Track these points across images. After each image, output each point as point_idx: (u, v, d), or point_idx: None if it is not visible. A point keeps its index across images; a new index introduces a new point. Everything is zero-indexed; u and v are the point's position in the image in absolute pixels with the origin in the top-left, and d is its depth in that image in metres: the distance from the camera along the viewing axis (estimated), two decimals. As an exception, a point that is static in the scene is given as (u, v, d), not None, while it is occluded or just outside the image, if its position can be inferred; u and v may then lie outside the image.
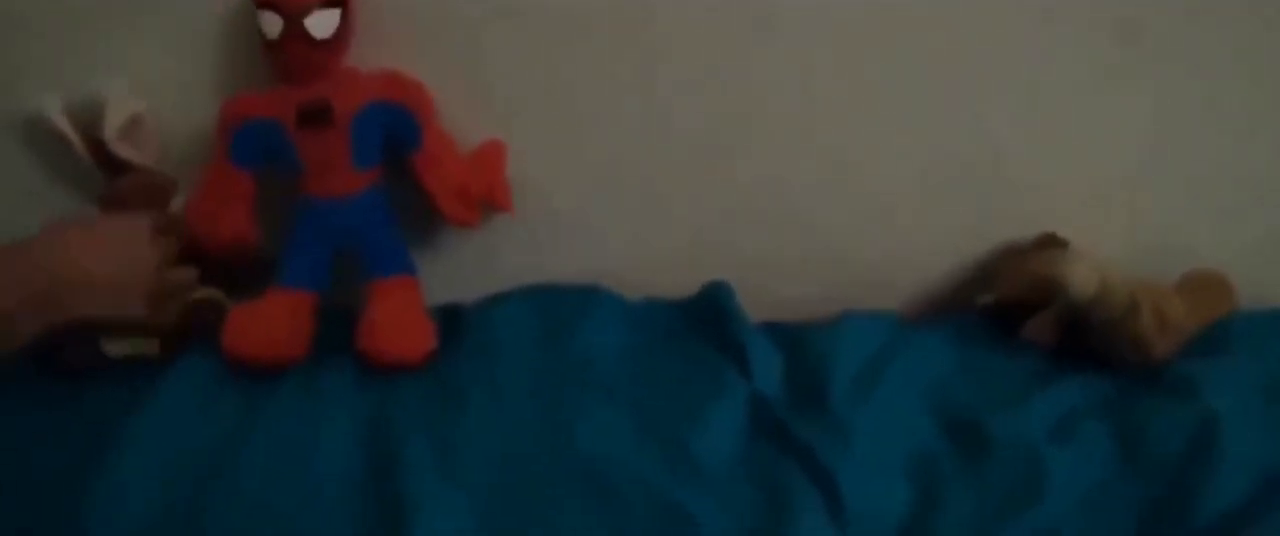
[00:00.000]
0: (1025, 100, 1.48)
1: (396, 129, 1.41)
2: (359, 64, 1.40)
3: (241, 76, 1.43)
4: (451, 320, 1.43)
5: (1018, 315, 1.44)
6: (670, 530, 1.15)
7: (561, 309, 1.44)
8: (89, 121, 1.38)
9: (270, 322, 1.37)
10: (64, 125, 1.37)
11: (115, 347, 1.37)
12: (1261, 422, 1.27)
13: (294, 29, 1.34)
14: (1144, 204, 1.53)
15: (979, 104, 1.48)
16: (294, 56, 1.36)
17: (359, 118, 1.38)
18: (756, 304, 1.48)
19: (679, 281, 1.51)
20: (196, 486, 1.19)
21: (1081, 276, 1.34)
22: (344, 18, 1.36)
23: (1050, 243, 1.47)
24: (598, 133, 1.50)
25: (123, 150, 1.39)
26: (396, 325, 1.38)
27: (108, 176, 1.41)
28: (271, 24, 1.34)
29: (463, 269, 1.53)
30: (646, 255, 1.55)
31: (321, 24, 1.35)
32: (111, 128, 1.37)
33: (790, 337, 1.44)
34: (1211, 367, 1.35)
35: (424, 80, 1.41)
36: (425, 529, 1.13)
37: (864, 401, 1.32)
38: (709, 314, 1.45)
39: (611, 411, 1.29)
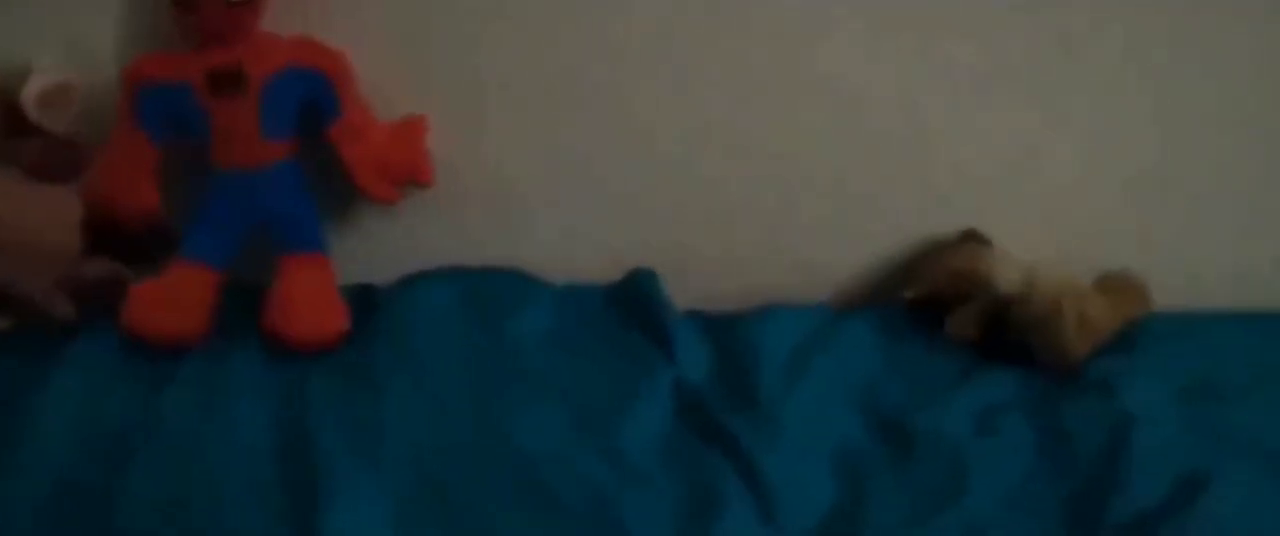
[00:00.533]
0: (960, 98, 1.48)
1: (314, 98, 1.35)
2: (275, 28, 1.34)
3: (151, 40, 1.35)
4: (365, 301, 1.38)
5: (941, 310, 1.44)
6: (599, 525, 1.13)
7: (483, 291, 1.40)
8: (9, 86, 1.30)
9: (173, 299, 1.30)
10: None
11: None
12: (1175, 423, 1.29)
13: (207, -13, 1.27)
14: (1069, 204, 1.54)
15: (912, 99, 1.48)
16: (206, 17, 1.29)
17: (272, 84, 1.32)
18: (682, 295, 1.46)
19: (602, 270, 1.48)
20: (102, 469, 1.13)
21: (1008, 273, 1.35)
22: (260, -23, 1.30)
23: (972, 239, 1.48)
24: (526, 111, 1.45)
25: (36, 115, 1.29)
26: (306, 304, 1.32)
27: (14, 141, 1.31)
28: (184, -19, 1.28)
29: (379, 249, 1.47)
30: (570, 242, 1.51)
31: (236, -18, 1.28)
32: (30, 92, 1.28)
33: (716, 326, 1.42)
34: (1128, 368, 1.37)
35: (344, 48, 1.35)
36: (341, 516, 1.09)
37: (791, 393, 1.31)
38: (634, 300, 1.42)
39: (538, 399, 1.26)
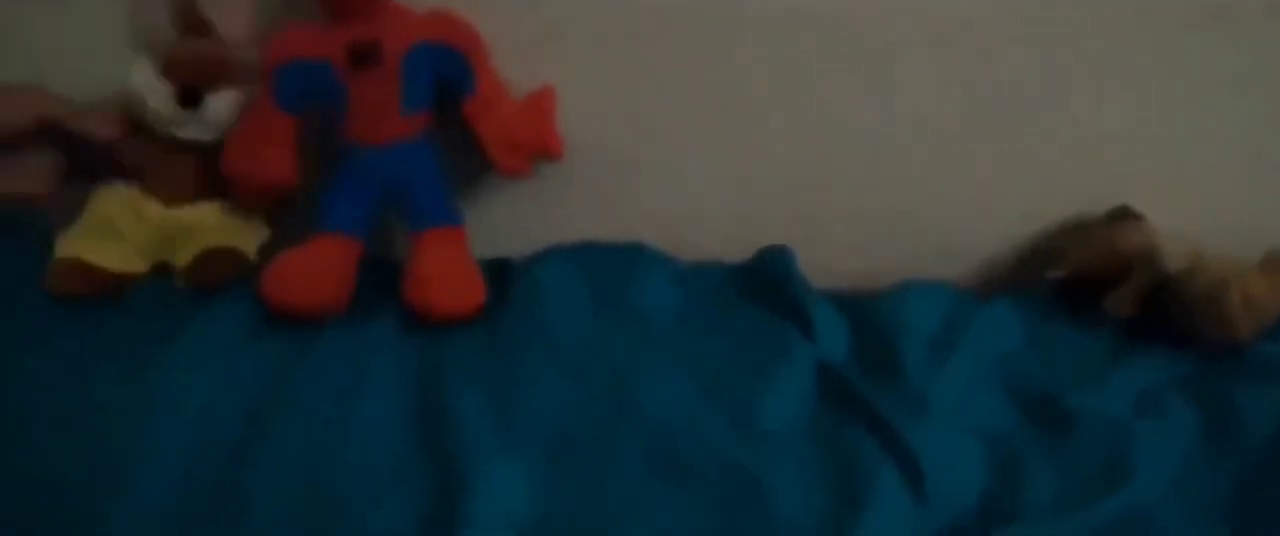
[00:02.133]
0: (1108, 75, 1.43)
1: (448, 72, 1.34)
2: (410, 3, 1.34)
3: (286, 11, 1.36)
4: (499, 274, 1.37)
5: (1085, 290, 1.39)
6: (741, 497, 1.10)
7: (612, 267, 1.38)
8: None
9: (314, 270, 1.30)
10: None
11: None
12: (1350, 406, 1.22)
13: (342, -37, 1.27)
14: (1220, 181, 1.47)
15: (1060, 77, 1.43)
16: (342, -8, 1.29)
17: (409, 58, 1.31)
18: (812, 273, 1.42)
19: (729, 247, 1.45)
20: (237, 438, 1.13)
21: (1175, 250, 1.29)
22: (397, -49, 1.30)
23: (1124, 216, 1.42)
24: (660, 88, 1.43)
25: (208, 9, 1.32)
26: (446, 278, 1.32)
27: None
28: (320, -41, 1.28)
29: (510, 222, 1.46)
30: (696, 218, 1.49)
31: (372, -42, 1.28)
32: None
33: (852, 306, 1.38)
34: (1297, 349, 1.30)
35: (478, 22, 1.34)
36: (485, 487, 1.08)
37: (937, 373, 1.26)
38: (767, 278, 1.39)
39: (673, 372, 1.24)
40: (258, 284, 1.30)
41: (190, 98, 1.31)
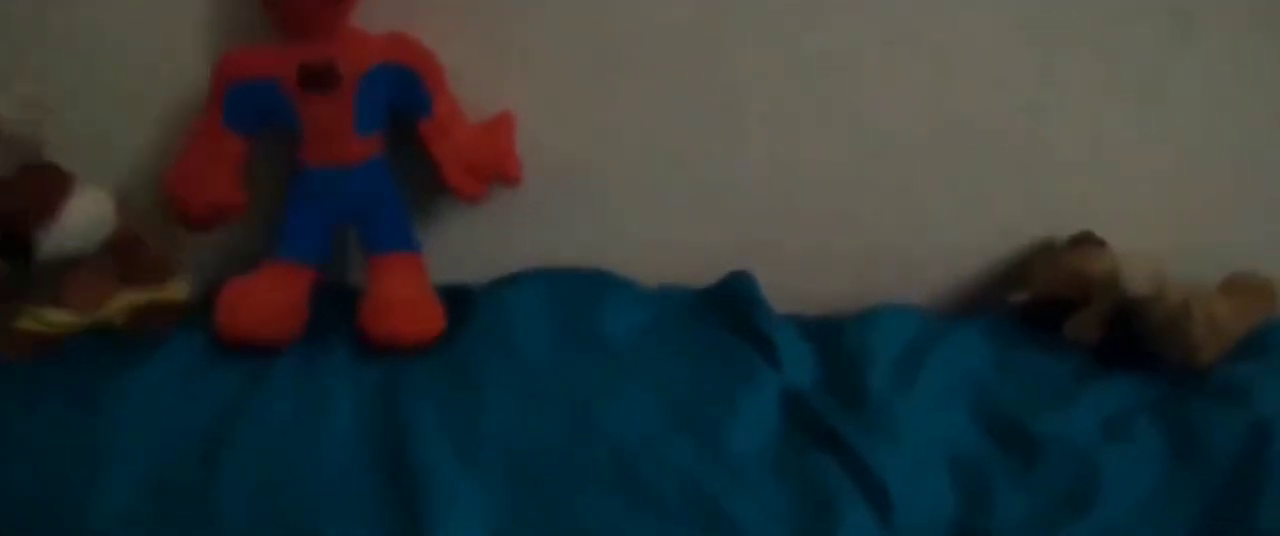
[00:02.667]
0: (1070, 92, 1.43)
1: (405, 94, 1.32)
2: (367, 24, 1.31)
3: (238, 31, 1.33)
4: (458, 301, 1.34)
5: (1051, 313, 1.38)
6: (705, 525, 1.08)
7: (574, 292, 1.36)
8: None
9: (266, 299, 1.27)
10: None
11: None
12: (1315, 429, 1.21)
13: (298, -18, 1.24)
14: (1186, 205, 1.48)
15: (1022, 100, 1.43)
16: (296, 14, 1.26)
17: (366, 80, 1.29)
18: (777, 297, 1.41)
19: (694, 272, 1.44)
20: (194, 470, 1.10)
21: (1138, 273, 1.29)
22: (352, -29, 1.27)
23: (1087, 241, 1.42)
24: (624, 113, 1.42)
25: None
26: (405, 304, 1.29)
27: None
28: (273, -22, 1.25)
29: (465, 248, 1.44)
30: (661, 242, 1.47)
31: (326, -22, 1.25)
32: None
33: (816, 330, 1.37)
34: (1260, 372, 1.30)
35: (432, 45, 1.32)
36: (444, 514, 1.05)
37: (903, 398, 1.25)
38: (731, 303, 1.38)
39: (637, 397, 1.22)
40: (210, 314, 1.26)
41: (13, 247, 1.19)
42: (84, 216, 1.22)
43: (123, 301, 1.28)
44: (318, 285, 1.32)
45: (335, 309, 1.31)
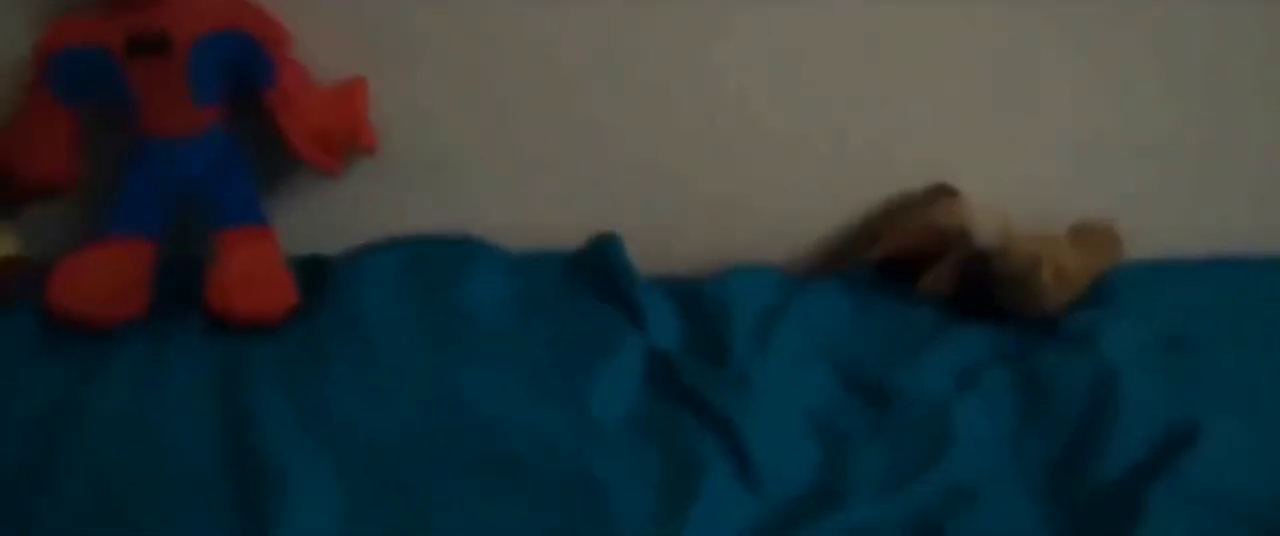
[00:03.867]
0: (928, 50, 1.44)
1: (245, 63, 1.27)
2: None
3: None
4: (312, 273, 1.31)
5: (907, 267, 1.40)
6: (572, 491, 1.07)
7: (437, 260, 1.34)
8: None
9: (103, 275, 1.22)
10: None
11: None
12: (1159, 372, 1.25)
13: (128, -55, 1.19)
14: (1027, 155, 1.50)
15: (882, 55, 1.43)
16: (126, -25, 1.20)
17: (199, 48, 1.24)
18: (643, 259, 1.39)
19: (559, 234, 1.41)
20: (28, 459, 1.05)
21: (987, 227, 1.31)
22: (182, -69, 1.21)
23: (941, 193, 1.44)
24: (477, 73, 1.38)
25: None
26: (250, 280, 1.25)
27: None
28: (100, -62, 1.19)
29: (322, 218, 1.40)
30: (525, 207, 1.45)
31: (158, -61, 1.20)
32: None
33: (682, 292, 1.37)
34: (1106, 319, 1.33)
35: (281, 12, 1.27)
36: (293, 498, 1.02)
37: (763, 357, 1.26)
38: (597, 267, 1.36)
39: (499, 368, 1.20)
40: (43, 293, 1.20)
41: None
42: None
43: None
44: (164, 261, 1.27)
45: (183, 286, 1.26)
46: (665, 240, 1.44)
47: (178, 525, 1.02)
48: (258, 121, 1.29)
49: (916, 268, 1.39)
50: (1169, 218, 1.51)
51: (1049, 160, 1.51)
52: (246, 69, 1.27)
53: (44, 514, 1.02)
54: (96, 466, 1.06)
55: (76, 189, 1.28)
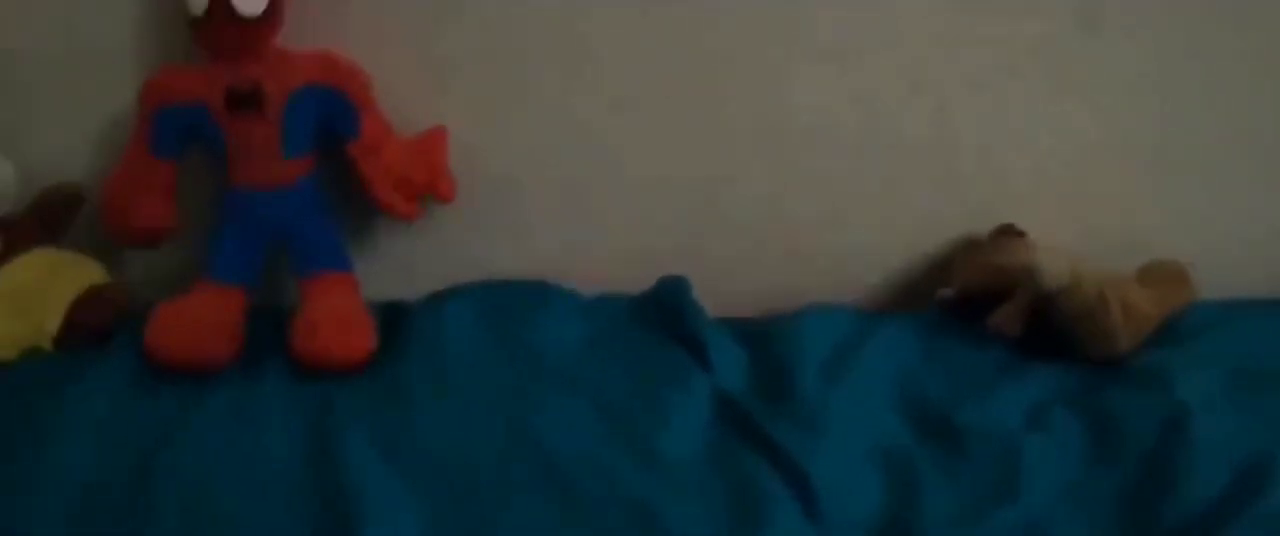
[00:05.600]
0: (982, 89, 1.46)
1: (332, 115, 1.32)
2: (292, 43, 1.32)
3: (164, 52, 1.34)
4: (392, 318, 1.35)
5: (978, 307, 1.41)
6: (638, 530, 1.09)
7: (511, 304, 1.37)
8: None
9: (198, 321, 1.27)
10: None
11: None
12: (1231, 412, 1.25)
13: (220, 6, 1.25)
14: (1098, 194, 1.51)
15: (936, 95, 1.46)
16: (221, 36, 1.27)
17: (292, 102, 1.30)
18: (711, 300, 1.42)
19: (630, 278, 1.45)
20: (125, 495, 1.09)
21: (1053, 267, 1.32)
22: (275, -6, 1.28)
23: (1009, 233, 1.45)
24: (549, 122, 1.43)
25: None
26: (335, 324, 1.29)
27: None
28: (196, 1, 1.25)
29: (401, 264, 1.45)
30: (597, 250, 1.49)
31: (250, 1, 1.26)
32: None
33: (749, 332, 1.39)
34: (1176, 358, 1.33)
35: (362, 62, 1.33)
36: (376, 529, 1.05)
37: (832, 395, 1.27)
38: (665, 308, 1.39)
39: (571, 407, 1.23)
40: (140, 336, 1.26)
41: None
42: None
43: (32, 263, 1.27)
44: (253, 307, 1.33)
45: (271, 331, 1.31)
46: (731, 281, 1.47)
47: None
48: (334, 169, 1.35)
49: (985, 307, 1.40)
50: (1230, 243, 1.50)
51: (1115, 200, 1.52)
52: (334, 121, 1.32)
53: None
54: (192, 498, 1.10)
55: (173, 236, 1.34)
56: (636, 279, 1.45)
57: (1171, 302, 1.40)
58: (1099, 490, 1.17)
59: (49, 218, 1.32)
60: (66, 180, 1.36)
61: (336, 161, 1.34)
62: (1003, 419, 1.24)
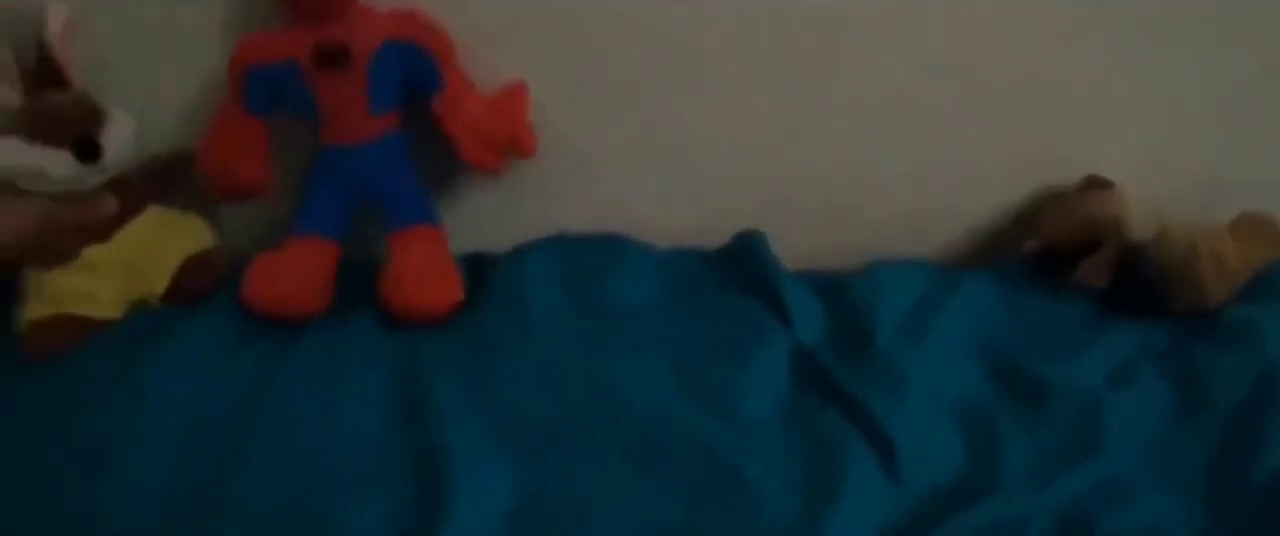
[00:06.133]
0: (1069, 38, 1.43)
1: (415, 70, 1.34)
2: (375, 2, 1.34)
3: (250, 19, 1.36)
4: (477, 270, 1.38)
5: (1062, 260, 1.39)
6: (718, 484, 1.11)
7: (589, 258, 1.39)
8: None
9: (293, 273, 1.31)
10: None
11: None
12: (1325, 369, 1.22)
13: (309, -34, 1.27)
14: (1188, 145, 1.48)
15: (1020, 43, 1.43)
16: (308, -2, 1.29)
17: (376, 59, 1.32)
18: (787, 255, 1.43)
19: (704, 232, 1.46)
20: (221, 443, 1.14)
21: (1141, 218, 1.30)
22: (360, -48, 1.30)
23: (1096, 184, 1.42)
24: (624, 78, 1.44)
25: (64, 55, 1.25)
26: (422, 276, 1.32)
27: (32, 90, 1.24)
28: (284, -38, 1.28)
29: (483, 217, 1.47)
30: (671, 206, 1.50)
31: (337, -39, 1.28)
32: (54, 26, 1.24)
33: (827, 286, 1.39)
34: (1267, 313, 1.31)
35: (444, 19, 1.35)
36: (465, 482, 1.09)
37: (911, 349, 1.27)
38: (742, 262, 1.40)
39: (651, 361, 1.25)
40: (237, 289, 1.31)
41: (90, 151, 1.24)
42: (123, 127, 1.28)
43: (144, 225, 1.31)
44: (344, 260, 1.36)
45: (360, 283, 1.34)
46: (811, 237, 1.47)
47: (359, 502, 1.10)
48: (422, 127, 1.37)
49: (1071, 261, 1.39)
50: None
51: (1207, 151, 1.48)
52: (417, 76, 1.34)
53: (237, 494, 1.11)
54: (286, 446, 1.14)
55: (268, 193, 1.38)
56: (713, 233, 1.46)
57: (1263, 256, 1.37)
58: (1184, 448, 1.17)
59: (161, 180, 1.36)
60: (169, 143, 1.40)
61: (421, 120, 1.37)
62: (1086, 375, 1.24)
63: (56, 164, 1.23)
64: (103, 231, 1.29)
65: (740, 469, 1.12)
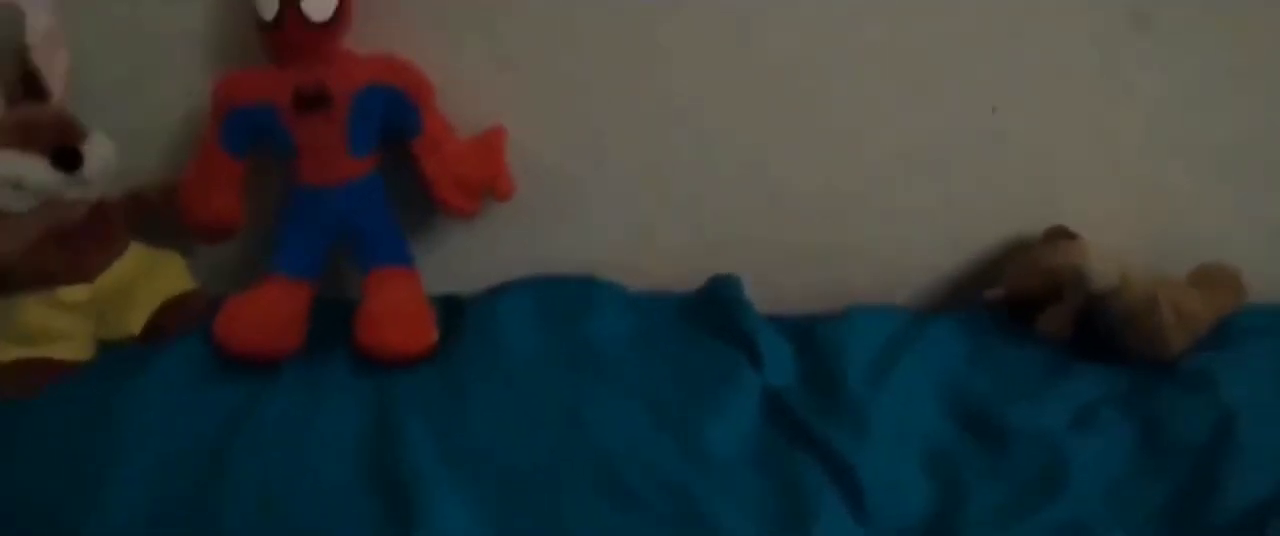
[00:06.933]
0: (1034, 88, 1.46)
1: (396, 114, 1.36)
2: (356, 45, 1.36)
3: (231, 55, 1.38)
4: (451, 311, 1.39)
5: (1027, 309, 1.42)
6: (689, 524, 1.12)
7: (563, 299, 1.41)
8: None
9: (266, 313, 1.32)
10: None
11: None
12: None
13: (291, 10, 1.29)
14: (1151, 196, 1.51)
15: (988, 93, 1.47)
16: (291, 39, 1.31)
17: (357, 102, 1.34)
18: (760, 297, 1.45)
19: (680, 274, 1.48)
20: (193, 482, 1.14)
21: (1102, 268, 1.33)
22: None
23: (1060, 235, 1.46)
24: (602, 120, 1.46)
25: (43, 63, 1.25)
26: (397, 317, 1.33)
27: (13, 101, 1.24)
28: (267, 5, 1.30)
29: (458, 258, 1.49)
30: (647, 246, 1.52)
31: (320, 6, 1.30)
32: (34, 33, 1.24)
33: (798, 330, 1.41)
34: (1226, 361, 1.33)
35: (422, 62, 1.37)
36: (435, 522, 1.09)
37: (879, 394, 1.29)
38: (715, 305, 1.42)
39: (622, 402, 1.26)
40: (210, 328, 1.31)
41: (70, 159, 1.22)
42: (103, 146, 1.28)
43: (126, 266, 1.31)
44: (317, 300, 1.37)
45: (334, 323, 1.35)
46: (782, 280, 1.49)
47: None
48: (399, 169, 1.38)
49: (1035, 309, 1.41)
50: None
51: (1168, 203, 1.52)
52: (397, 120, 1.36)
53: (211, 529, 1.11)
54: (257, 488, 1.14)
55: (240, 230, 1.39)
56: (688, 275, 1.47)
57: (1223, 306, 1.40)
58: (1145, 492, 1.19)
59: (146, 212, 1.36)
60: (153, 176, 1.40)
61: (398, 160, 1.38)
62: (1049, 419, 1.26)
63: (35, 171, 1.22)
64: (85, 270, 1.28)
65: (709, 509, 1.13)
